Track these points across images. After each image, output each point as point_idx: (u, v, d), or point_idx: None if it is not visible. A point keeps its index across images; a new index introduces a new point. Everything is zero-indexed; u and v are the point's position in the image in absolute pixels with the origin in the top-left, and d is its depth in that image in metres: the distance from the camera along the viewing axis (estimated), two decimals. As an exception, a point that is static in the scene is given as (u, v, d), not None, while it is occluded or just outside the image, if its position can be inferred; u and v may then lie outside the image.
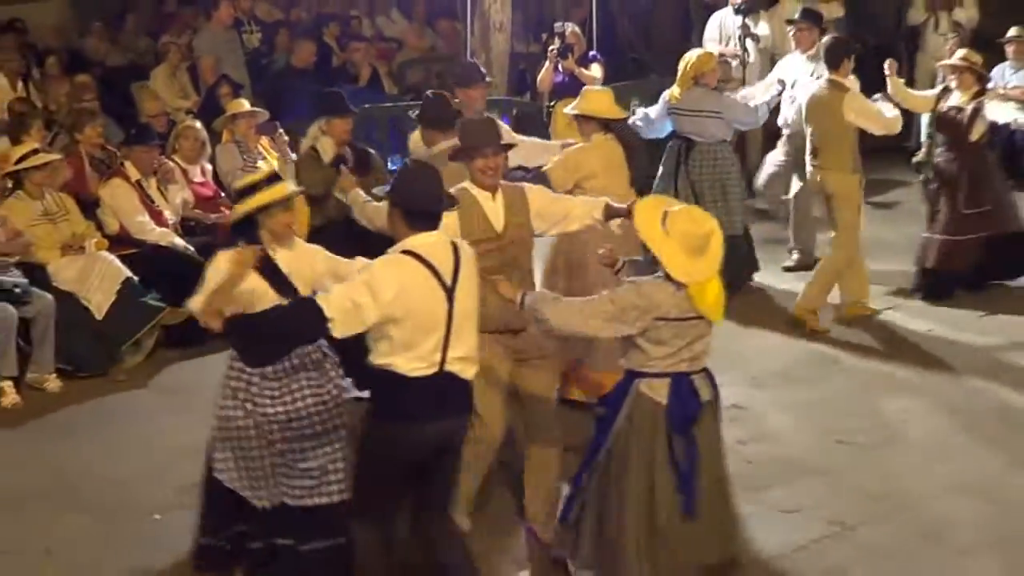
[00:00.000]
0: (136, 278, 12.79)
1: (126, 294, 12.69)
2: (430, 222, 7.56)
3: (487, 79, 12.98)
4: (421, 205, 7.62)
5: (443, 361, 7.54)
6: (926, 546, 9.24)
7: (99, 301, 12.56)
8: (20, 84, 16.55)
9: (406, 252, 7.49)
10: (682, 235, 7.71)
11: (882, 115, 13.35)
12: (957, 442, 10.90)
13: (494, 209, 9.05)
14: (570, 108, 11.74)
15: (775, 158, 15.43)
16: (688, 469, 7.70)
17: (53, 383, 12.34)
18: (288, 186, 8.71)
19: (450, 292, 7.49)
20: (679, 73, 13.98)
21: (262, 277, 8.15)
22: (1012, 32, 17.81)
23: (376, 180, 11.57)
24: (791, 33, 16.11)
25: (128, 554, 9.27)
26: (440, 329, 7.49)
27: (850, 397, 11.83)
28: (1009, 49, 17.47)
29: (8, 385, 12.02)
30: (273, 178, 8.54)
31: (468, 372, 7.67)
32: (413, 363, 7.51)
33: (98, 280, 12.66)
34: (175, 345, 12.59)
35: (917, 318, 13.61)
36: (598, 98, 11.54)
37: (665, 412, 7.74)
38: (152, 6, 21.48)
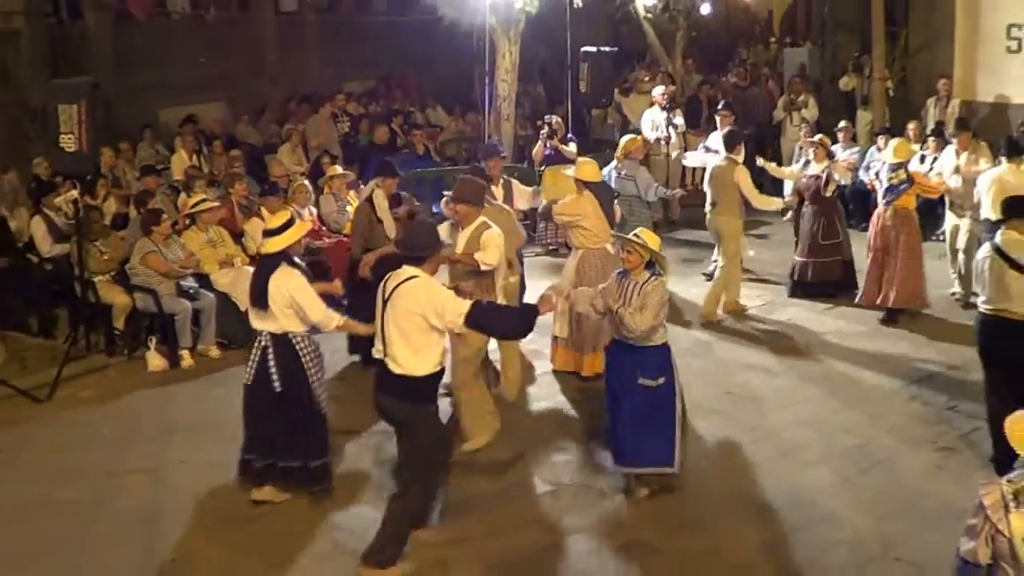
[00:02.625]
0: (268, 283, 12.87)
1: (262, 293, 12.76)
2: (413, 261, 7.58)
3: (503, 154, 13.05)
4: (402, 250, 7.77)
5: (384, 351, 7.58)
6: (782, 460, 9.41)
7: (243, 298, 12.43)
8: (194, 157, 16.63)
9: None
10: (657, 243, 8.45)
11: (753, 189, 13.49)
12: (800, 394, 11.02)
13: (461, 238, 9.49)
14: (570, 172, 11.86)
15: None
16: None
17: (214, 351, 12.46)
18: (303, 226, 8.98)
19: (384, 302, 7.53)
20: (618, 149, 14.18)
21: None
22: (841, 125, 17.91)
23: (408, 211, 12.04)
24: (717, 118, 16.22)
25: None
26: (379, 326, 7.59)
27: (732, 364, 11.90)
28: (840, 135, 17.56)
29: (186, 353, 12.20)
30: (292, 221, 8.79)
31: (394, 367, 7.50)
32: (378, 346, 7.66)
33: (243, 284, 12.60)
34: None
35: (780, 313, 13.60)
36: (586, 168, 11.65)
37: None
38: (280, 105, 21.51)
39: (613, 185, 13.82)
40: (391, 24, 24.04)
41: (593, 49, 18.68)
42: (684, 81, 23.63)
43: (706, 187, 14.10)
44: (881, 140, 16.89)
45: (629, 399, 8.53)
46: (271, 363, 8.58)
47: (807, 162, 14.33)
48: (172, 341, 12.20)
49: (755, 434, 9.96)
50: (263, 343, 8.65)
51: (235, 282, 12.71)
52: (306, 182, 14.56)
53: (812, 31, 28.80)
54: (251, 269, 12.66)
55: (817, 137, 14.59)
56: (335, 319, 8.59)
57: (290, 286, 8.41)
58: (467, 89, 22.65)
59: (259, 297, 8.52)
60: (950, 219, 14.18)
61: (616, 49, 20.58)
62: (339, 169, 15.15)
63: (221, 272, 12.86)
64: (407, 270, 7.54)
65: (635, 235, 8.51)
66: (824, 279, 13.99)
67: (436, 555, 7.90)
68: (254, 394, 8.74)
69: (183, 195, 14.11)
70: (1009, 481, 5.24)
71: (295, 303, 8.42)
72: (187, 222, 13.12)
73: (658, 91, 18.79)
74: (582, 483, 9.06)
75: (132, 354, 12.38)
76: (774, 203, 14.17)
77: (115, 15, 20.46)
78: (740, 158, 13.79)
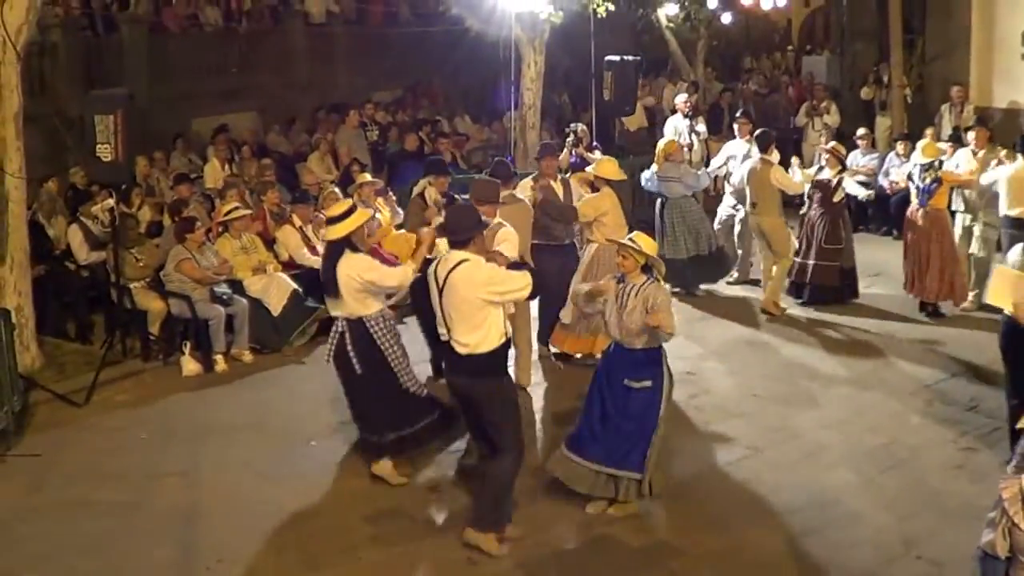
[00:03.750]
0: (300, 289, 12.87)
1: (293, 299, 12.75)
2: (459, 244, 7.68)
3: (557, 153, 13.09)
4: (446, 235, 7.87)
5: (448, 335, 7.68)
6: (806, 462, 9.38)
7: (276, 303, 12.64)
8: (227, 166, 16.67)
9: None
10: (653, 248, 8.30)
11: (794, 182, 13.71)
12: (824, 395, 10.98)
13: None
14: (590, 168, 12.12)
15: (724, 209, 15.35)
16: None
17: (247, 356, 12.44)
18: (365, 213, 9.05)
19: (440, 290, 7.62)
20: (656, 153, 14.23)
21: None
22: (860, 132, 17.91)
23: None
24: (736, 126, 16.24)
25: (296, 465, 9.48)
26: (439, 312, 7.70)
27: (760, 366, 11.85)
28: (859, 142, 17.55)
29: (220, 357, 12.16)
30: (354, 208, 8.88)
31: (461, 348, 7.62)
32: (442, 330, 7.74)
33: (275, 290, 12.75)
34: (325, 332, 12.55)
35: (806, 316, 13.57)
36: (607, 166, 11.78)
37: None
38: (309, 115, 21.57)
39: (658, 190, 13.95)
40: (418, 35, 24.10)
41: (616, 58, 18.67)
42: (706, 89, 23.67)
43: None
44: (900, 146, 16.93)
45: (612, 398, 8.32)
46: (349, 348, 8.76)
47: (821, 167, 14.32)
48: (206, 346, 12.20)
49: (779, 435, 9.93)
50: (340, 328, 8.84)
51: (267, 288, 12.77)
52: (336, 190, 14.59)
53: (831, 39, 28.81)
54: (283, 275, 12.88)
55: (830, 144, 14.56)
56: (409, 268, 8.78)
57: (359, 269, 8.56)
58: (493, 98, 22.70)
59: (330, 285, 8.69)
60: (960, 221, 14.08)
61: (639, 58, 20.58)
62: (368, 177, 15.19)
63: (254, 278, 12.87)
64: (456, 255, 7.63)
65: (630, 239, 8.38)
66: (821, 283, 13.90)
67: (466, 551, 7.90)
68: (342, 377, 9.00)
69: (219, 203, 14.18)
70: (1028, 476, 5.26)
71: (370, 283, 8.59)
72: (220, 229, 13.18)
73: (681, 99, 18.83)
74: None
75: (167, 359, 12.39)
76: (801, 183, 14.05)
77: (149, 28, 20.58)
78: (774, 158, 13.85)
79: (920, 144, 13.64)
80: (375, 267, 8.75)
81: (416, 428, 8.95)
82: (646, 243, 8.30)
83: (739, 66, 29.09)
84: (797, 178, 13.91)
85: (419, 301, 10.16)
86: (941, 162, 14.15)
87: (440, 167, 12.24)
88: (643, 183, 14.66)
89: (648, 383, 8.20)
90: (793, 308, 13.85)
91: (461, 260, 7.58)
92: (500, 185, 10.14)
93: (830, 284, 13.90)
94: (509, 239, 9.39)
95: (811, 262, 13.93)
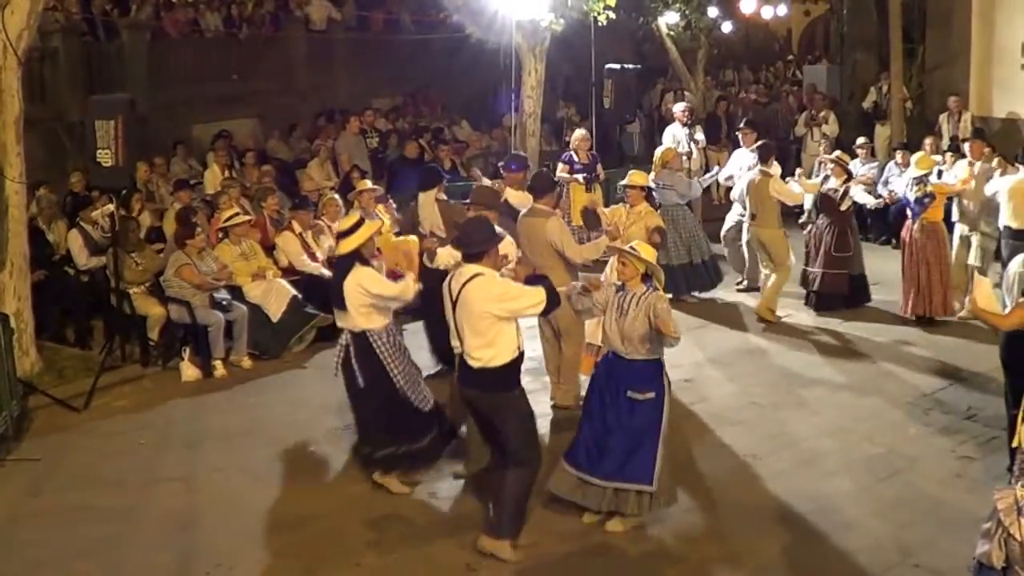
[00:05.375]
0: (299, 295, 12.89)
1: (293, 305, 12.77)
2: (473, 258, 7.67)
3: (527, 165, 13.07)
4: (460, 247, 7.88)
5: (461, 348, 7.69)
6: (804, 469, 9.38)
7: (275, 309, 12.65)
8: (227, 172, 16.65)
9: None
10: (653, 256, 8.30)
11: (792, 192, 13.69)
12: (823, 403, 10.98)
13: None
14: (624, 182, 12.27)
15: (733, 216, 15.21)
16: None
17: (246, 362, 12.45)
18: (374, 225, 9.03)
19: (453, 303, 7.64)
20: (654, 160, 14.28)
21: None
22: (860, 141, 17.95)
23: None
24: (740, 135, 16.22)
25: (295, 471, 9.51)
26: (452, 324, 7.74)
27: (759, 374, 11.87)
28: (859, 152, 17.59)
29: (219, 363, 12.18)
30: (362, 221, 8.87)
31: (473, 362, 7.60)
32: (455, 343, 7.80)
33: (275, 296, 12.75)
34: (324, 339, 12.54)
35: (806, 323, 13.61)
36: (640, 174, 11.88)
37: None
38: (309, 121, 21.57)
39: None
40: (419, 42, 24.13)
41: (617, 66, 18.70)
42: (706, 97, 23.70)
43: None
44: (899, 155, 16.94)
45: (614, 410, 8.20)
46: (354, 361, 8.75)
47: (827, 176, 14.33)
48: (205, 352, 12.21)
49: (777, 443, 9.93)
50: (345, 342, 8.84)
51: (267, 294, 12.78)
52: (336, 196, 14.60)
53: (831, 49, 28.88)
54: (282, 281, 12.89)
55: (835, 154, 14.61)
56: (411, 285, 8.83)
57: (366, 283, 8.57)
58: (493, 105, 22.74)
59: (337, 297, 8.70)
60: (958, 231, 14.09)
61: (639, 66, 20.62)
62: (368, 183, 15.20)
63: (253, 284, 12.89)
64: (469, 268, 7.63)
65: (631, 247, 8.36)
66: (831, 291, 13.95)
67: (465, 560, 7.91)
68: (347, 389, 9.00)
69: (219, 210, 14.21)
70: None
71: (371, 295, 8.57)
72: (221, 235, 13.20)
73: (679, 108, 18.84)
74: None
75: (166, 364, 12.41)
76: (799, 194, 14.11)
77: (150, 34, 20.60)
78: (773, 169, 13.84)
79: (914, 158, 13.69)
80: (380, 280, 8.78)
81: (414, 446, 8.89)
82: (645, 251, 8.27)
83: (728, 78, 29.24)
84: (796, 189, 13.92)
85: (426, 309, 10.19)
86: (940, 172, 14.21)
87: (438, 176, 12.24)
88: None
89: (652, 395, 8.14)
90: (795, 315, 13.87)
91: (475, 274, 7.58)
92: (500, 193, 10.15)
93: (839, 292, 13.95)
94: (506, 247, 9.31)
95: (819, 270, 13.97)
